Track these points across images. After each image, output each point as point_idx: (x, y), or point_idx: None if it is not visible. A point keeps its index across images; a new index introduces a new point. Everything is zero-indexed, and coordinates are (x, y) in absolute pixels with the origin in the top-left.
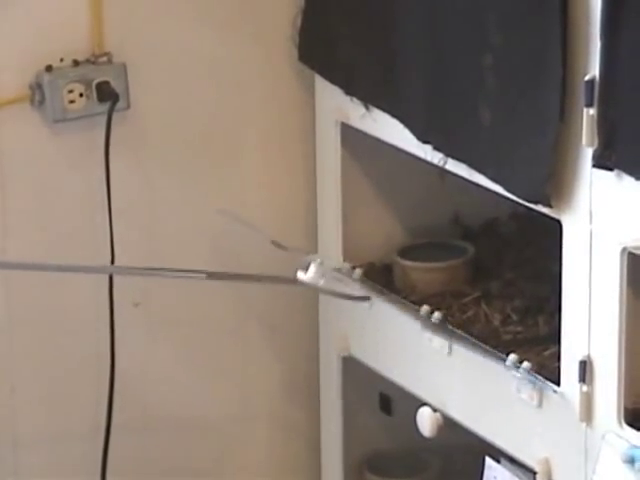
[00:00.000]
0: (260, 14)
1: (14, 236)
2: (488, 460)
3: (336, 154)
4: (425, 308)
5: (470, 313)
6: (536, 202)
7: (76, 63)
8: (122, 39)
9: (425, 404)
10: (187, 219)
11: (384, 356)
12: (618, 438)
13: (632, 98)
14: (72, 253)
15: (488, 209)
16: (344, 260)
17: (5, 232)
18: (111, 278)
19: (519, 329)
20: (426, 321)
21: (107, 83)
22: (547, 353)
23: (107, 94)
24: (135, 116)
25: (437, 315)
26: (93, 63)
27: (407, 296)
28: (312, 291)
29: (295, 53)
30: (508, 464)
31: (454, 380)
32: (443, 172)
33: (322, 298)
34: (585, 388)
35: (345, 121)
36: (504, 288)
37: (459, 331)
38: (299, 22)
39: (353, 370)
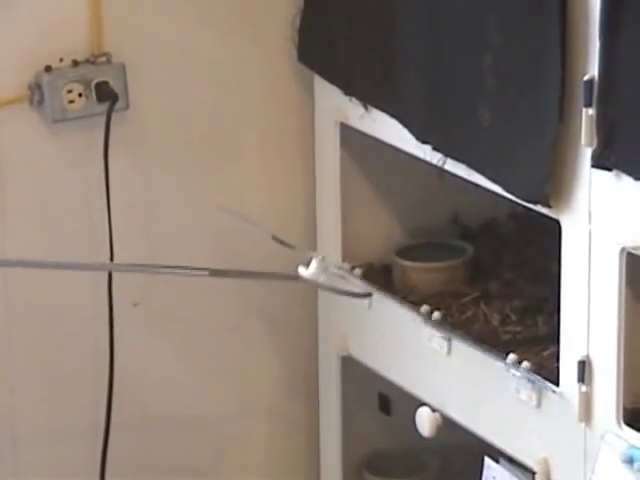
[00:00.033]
0: (259, 14)
1: (13, 236)
2: (487, 460)
3: (335, 154)
4: (424, 308)
5: (469, 313)
6: (535, 202)
7: (75, 63)
8: (121, 39)
9: (424, 404)
10: (186, 219)
11: (383, 356)
12: (617, 438)
13: (631, 98)
14: (71, 253)
15: (487, 209)
16: (343, 260)
17: (4, 232)
18: (110, 278)
19: (518, 329)
20: (425, 321)
21: (106, 83)
22: (546, 353)
23: (106, 94)
24: (134, 116)
25: (436, 315)
26: (92, 63)
27: (406, 296)
28: (312, 288)
29: (294, 53)
30: (507, 464)
31: (453, 380)
32: (442, 172)
33: (321, 298)
34: (584, 388)
35: (344, 121)
36: (503, 288)
37: (458, 331)
38: (298, 22)
39: (352, 370)
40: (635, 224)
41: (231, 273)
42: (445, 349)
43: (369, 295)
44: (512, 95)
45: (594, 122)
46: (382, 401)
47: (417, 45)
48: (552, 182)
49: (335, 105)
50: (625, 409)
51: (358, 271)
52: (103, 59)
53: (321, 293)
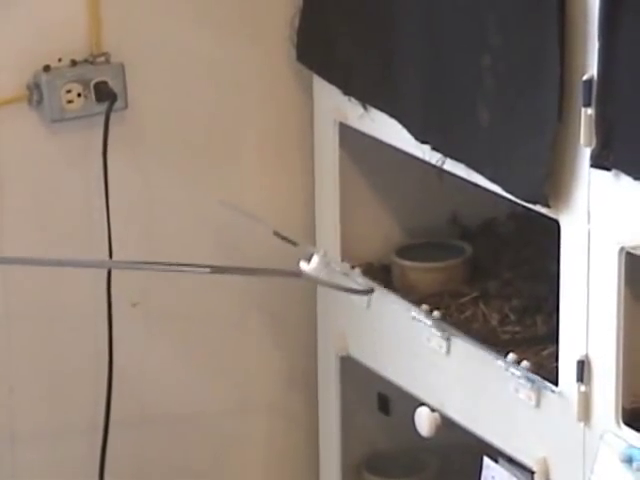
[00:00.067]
0: (258, 14)
1: (12, 236)
2: (486, 460)
3: (334, 154)
4: (424, 308)
5: (468, 313)
6: (534, 202)
7: (74, 63)
8: (120, 39)
9: (423, 404)
10: (185, 218)
11: (382, 356)
12: (616, 438)
13: (630, 98)
14: (70, 252)
15: (486, 209)
16: (342, 260)
17: (3, 232)
18: (109, 278)
19: (517, 329)
20: (424, 321)
21: (105, 83)
22: (545, 353)
23: (105, 94)
24: (133, 116)
25: (435, 315)
26: (91, 63)
27: (405, 296)
28: (311, 284)
29: (293, 53)
30: (506, 464)
31: (452, 380)
32: (441, 172)
33: (320, 297)
34: (583, 388)
35: (343, 121)
36: (502, 288)
37: (457, 331)
38: (297, 22)
39: (351, 370)
40: (634, 224)
41: (232, 270)
42: (444, 349)
43: (371, 292)
44: (511, 95)
45: (593, 122)
46: (381, 401)
47: (416, 45)
48: (551, 182)
49: (334, 105)
50: (624, 409)
51: (357, 271)
52: (102, 59)
53: (320, 292)
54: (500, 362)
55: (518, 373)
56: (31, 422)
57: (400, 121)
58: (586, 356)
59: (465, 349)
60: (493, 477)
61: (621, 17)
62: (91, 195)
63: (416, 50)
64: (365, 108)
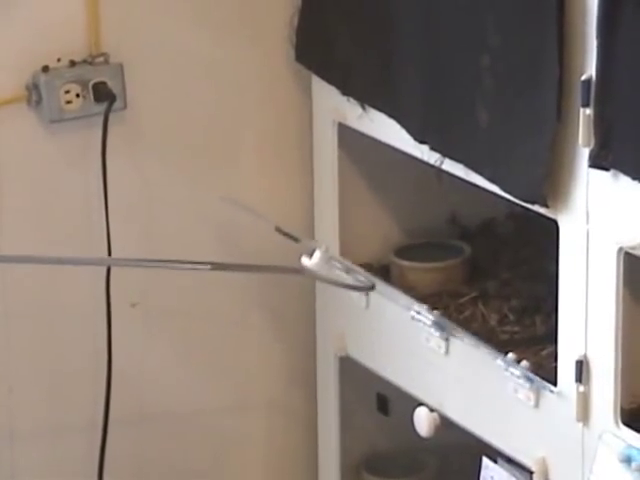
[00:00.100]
0: (257, 14)
1: (11, 236)
2: (485, 460)
3: (333, 154)
4: (423, 306)
5: (467, 313)
6: (533, 202)
7: (73, 63)
8: (119, 39)
9: (422, 404)
10: (184, 219)
11: (381, 356)
12: (615, 438)
13: (629, 98)
14: (69, 252)
15: (485, 209)
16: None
17: (2, 232)
18: (108, 278)
19: (516, 329)
20: (424, 320)
21: (104, 83)
22: (544, 353)
23: (104, 94)
24: (132, 116)
25: (434, 315)
26: (90, 63)
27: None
28: (311, 281)
29: (292, 54)
30: (505, 464)
31: (451, 380)
32: (440, 172)
33: (319, 297)
34: (582, 388)
35: (342, 121)
36: (501, 288)
37: (456, 331)
38: (296, 22)
39: (350, 370)
40: (633, 224)
41: (233, 267)
42: (443, 349)
43: (372, 288)
44: (510, 95)
45: (592, 122)
46: (380, 401)
47: (415, 45)
48: (550, 182)
49: (333, 105)
50: (623, 409)
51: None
52: (101, 59)
53: (319, 292)
54: (499, 362)
55: (517, 373)
56: (30, 421)
57: (399, 121)
58: (585, 356)
59: (464, 349)
60: (492, 477)
61: (620, 17)
62: (90, 195)
63: (415, 50)
64: (364, 108)
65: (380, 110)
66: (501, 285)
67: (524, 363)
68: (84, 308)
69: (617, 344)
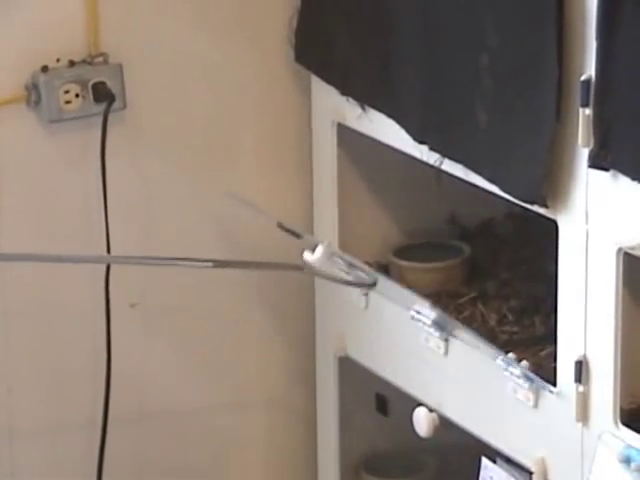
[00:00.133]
0: (256, 15)
1: (10, 236)
2: (484, 460)
3: (332, 154)
4: (424, 304)
5: (466, 313)
6: (532, 202)
7: (72, 63)
8: (118, 39)
9: (421, 404)
10: (184, 219)
11: (380, 356)
12: (614, 438)
13: (628, 98)
14: (69, 253)
15: (484, 209)
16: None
17: (1, 232)
18: (107, 278)
19: (515, 329)
20: (423, 320)
21: (103, 83)
22: (543, 353)
23: (103, 94)
24: (131, 116)
25: (436, 312)
26: (89, 63)
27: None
28: (311, 277)
29: (291, 54)
30: (504, 464)
31: (450, 380)
32: (439, 172)
33: (319, 298)
34: (581, 388)
35: (341, 122)
36: (500, 288)
37: (457, 328)
38: (295, 23)
39: (349, 371)
40: (632, 224)
41: (234, 264)
42: (442, 349)
43: (373, 285)
44: (509, 96)
45: (591, 122)
46: (379, 401)
47: (414, 45)
48: (549, 182)
49: (332, 105)
50: (622, 409)
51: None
52: (100, 59)
53: (319, 292)
54: (499, 362)
55: (517, 373)
56: (30, 420)
57: (398, 121)
58: (584, 356)
59: (463, 350)
60: (491, 477)
61: (619, 17)
62: (89, 195)
63: (414, 50)
64: (363, 108)
65: (379, 110)
66: (500, 285)
67: (524, 363)
68: (83, 307)
69: (616, 344)
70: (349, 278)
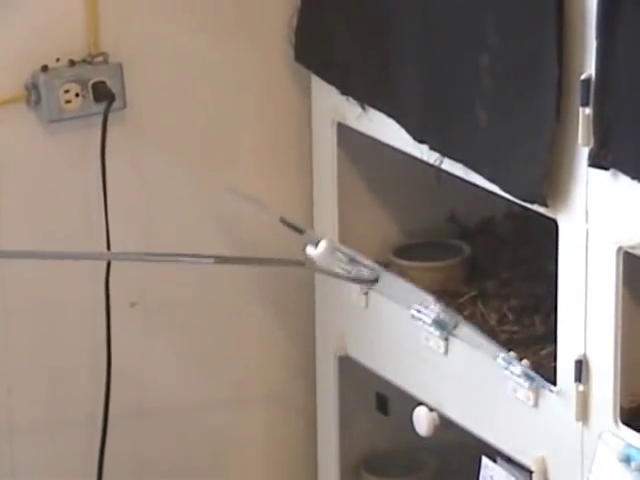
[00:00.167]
0: (256, 14)
1: (10, 236)
2: (484, 459)
3: (332, 154)
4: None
5: (466, 313)
6: (532, 201)
7: (72, 63)
8: (118, 39)
9: (421, 404)
10: (184, 218)
11: (380, 356)
12: (614, 437)
13: (628, 97)
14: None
15: (484, 208)
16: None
17: (1, 232)
18: (107, 278)
19: (515, 328)
20: (423, 319)
21: (103, 83)
22: (543, 352)
23: (103, 94)
24: (131, 116)
25: (439, 307)
26: (89, 63)
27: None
28: (311, 273)
29: (291, 53)
30: (504, 463)
31: (450, 379)
32: (439, 172)
33: (319, 297)
34: (581, 387)
35: (341, 121)
36: (500, 288)
37: (455, 330)
38: (295, 22)
39: (349, 370)
40: (632, 223)
41: (236, 260)
42: (442, 348)
43: (375, 281)
44: (509, 95)
45: (591, 121)
46: (379, 401)
47: (414, 44)
48: (549, 181)
49: (332, 105)
50: (622, 408)
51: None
52: (100, 59)
53: (319, 291)
54: (499, 360)
55: (517, 372)
56: (29, 418)
57: (398, 121)
58: (584, 356)
59: (463, 349)
60: (491, 477)
61: (619, 16)
62: (89, 195)
63: (414, 49)
64: (363, 108)
65: (379, 110)
66: (500, 285)
67: (525, 361)
68: (83, 305)
69: (616, 343)
70: (350, 274)
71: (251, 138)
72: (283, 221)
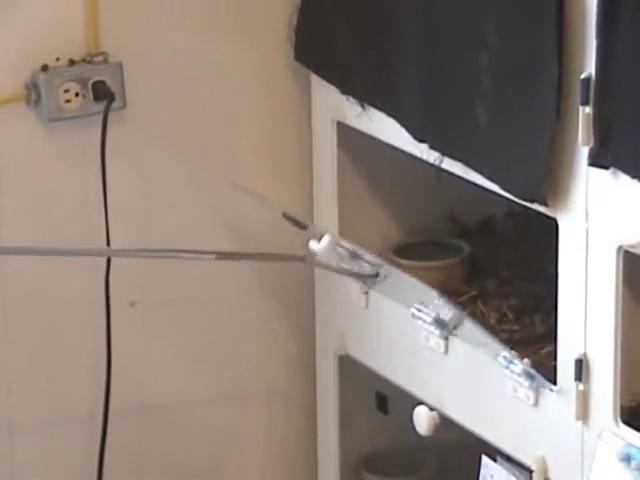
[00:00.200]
0: (256, 13)
1: (10, 236)
2: (484, 458)
3: (332, 153)
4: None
5: (466, 312)
6: (532, 201)
7: (72, 62)
8: (118, 38)
9: (421, 403)
10: (184, 218)
11: (380, 355)
12: (614, 436)
13: (628, 96)
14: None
15: (484, 207)
16: None
17: (1, 231)
18: (107, 278)
19: (515, 328)
20: (423, 318)
21: (103, 82)
22: (543, 352)
23: (103, 93)
24: (131, 115)
25: (443, 301)
26: (89, 62)
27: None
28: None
29: (291, 53)
30: (504, 462)
31: (450, 379)
32: (439, 171)
33: (319, 296)
34: (581, 386)
35: (341, 120)
36: (500, 287)
37: (455, 330)
38: (295, 21)
39: (350, 369)
40: (632, 222)
41: (237, 256)
42: (442, 348)
43: (375, 276)
44: (509, 94)
45: (591, 120)
46: (380, 400)
47: (414, 44)
48: (549, 180)
49: (332, 104)
50: (622, 407)
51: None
52: (100, 58)
53: (319, 291)
54: (500, 359)
55: (517, 371)
56: (29, 415)
57: (398, 120)
58: (584, 355)
59: (463, 348)
60: (491, 476)
61: (619, 15)
62: (89, 195)
63: (414, 49)
64: (363, 107)
65: (379, 109)
66: (500, 284)
67: (526, 360)
68: (84, 302)
69: (617, 342)
70: (351, 269)
71: (251, 137)
72: (285, 216)
